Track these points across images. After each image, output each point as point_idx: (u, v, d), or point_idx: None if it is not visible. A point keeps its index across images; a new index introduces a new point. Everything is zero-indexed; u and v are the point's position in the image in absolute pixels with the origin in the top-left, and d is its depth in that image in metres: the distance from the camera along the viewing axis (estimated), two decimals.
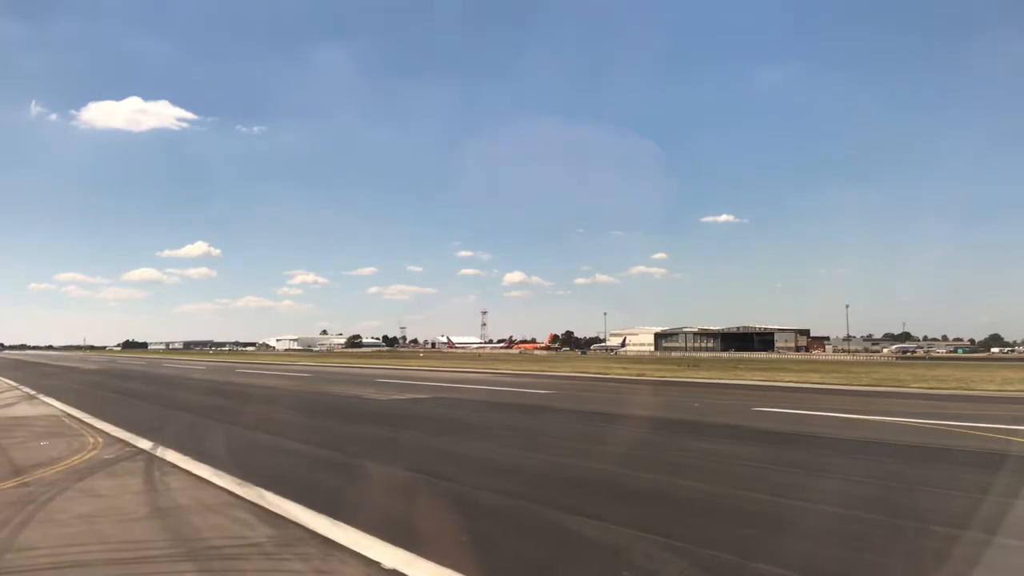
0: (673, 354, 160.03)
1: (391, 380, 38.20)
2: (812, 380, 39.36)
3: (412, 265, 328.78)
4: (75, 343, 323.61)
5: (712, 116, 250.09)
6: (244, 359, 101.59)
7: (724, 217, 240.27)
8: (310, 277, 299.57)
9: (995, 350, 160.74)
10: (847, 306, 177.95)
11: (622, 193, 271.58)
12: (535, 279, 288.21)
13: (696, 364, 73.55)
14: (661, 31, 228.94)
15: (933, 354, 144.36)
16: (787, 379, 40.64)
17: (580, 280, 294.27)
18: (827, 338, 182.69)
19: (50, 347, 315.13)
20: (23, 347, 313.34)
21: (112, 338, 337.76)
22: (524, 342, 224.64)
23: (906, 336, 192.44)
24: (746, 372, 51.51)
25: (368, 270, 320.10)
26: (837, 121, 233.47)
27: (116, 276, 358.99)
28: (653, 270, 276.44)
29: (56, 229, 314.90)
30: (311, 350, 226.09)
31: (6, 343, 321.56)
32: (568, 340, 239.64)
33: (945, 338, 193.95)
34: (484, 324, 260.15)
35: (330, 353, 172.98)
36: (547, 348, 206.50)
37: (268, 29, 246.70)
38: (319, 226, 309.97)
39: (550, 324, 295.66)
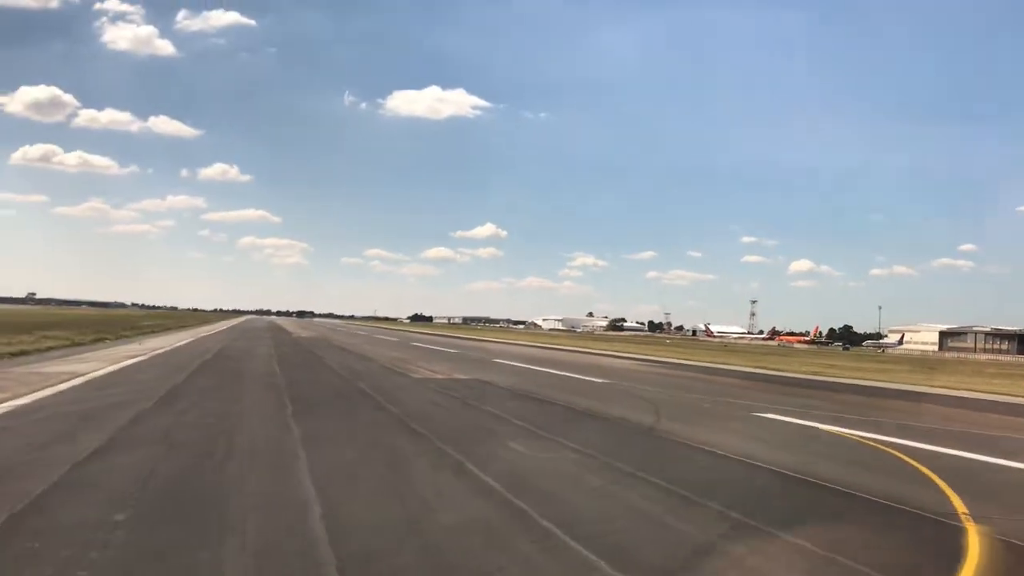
0: (956, 355, 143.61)
1: (522, 363, 35.93)
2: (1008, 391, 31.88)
3: (692, 250, 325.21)
4: (371, 314, 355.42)
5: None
6: (474, 334, 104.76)
7: None
8: (590, 259, 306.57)
9: None
10: None
11: (925, 177, 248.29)
12: (824, 268, 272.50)
13: (933, 368, 63.77)
14: None
15: None
16: (985, 388, 32.82)
17: (876, 271, 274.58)
18: None
19: (352, 317, 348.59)
20: (330, 315, 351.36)
21: (407, 311, 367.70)
22: (791, 334, 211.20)
23: None
24: (973, 378, 43.03)
25: (647, 254, 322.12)
26: None
27: (415, 254, 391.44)
28: (960, 263, 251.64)
29: (365, 208, 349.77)
30: (574, 331, 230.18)
31: (318, 311, 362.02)
32: (845, 335, 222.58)
33: None
34: (753, 314, 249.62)
35: (582, 335, 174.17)
36: (812, 342, 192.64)
37: (556, 17, 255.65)
38: (601, 210, 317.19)
39: (837, 316, 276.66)
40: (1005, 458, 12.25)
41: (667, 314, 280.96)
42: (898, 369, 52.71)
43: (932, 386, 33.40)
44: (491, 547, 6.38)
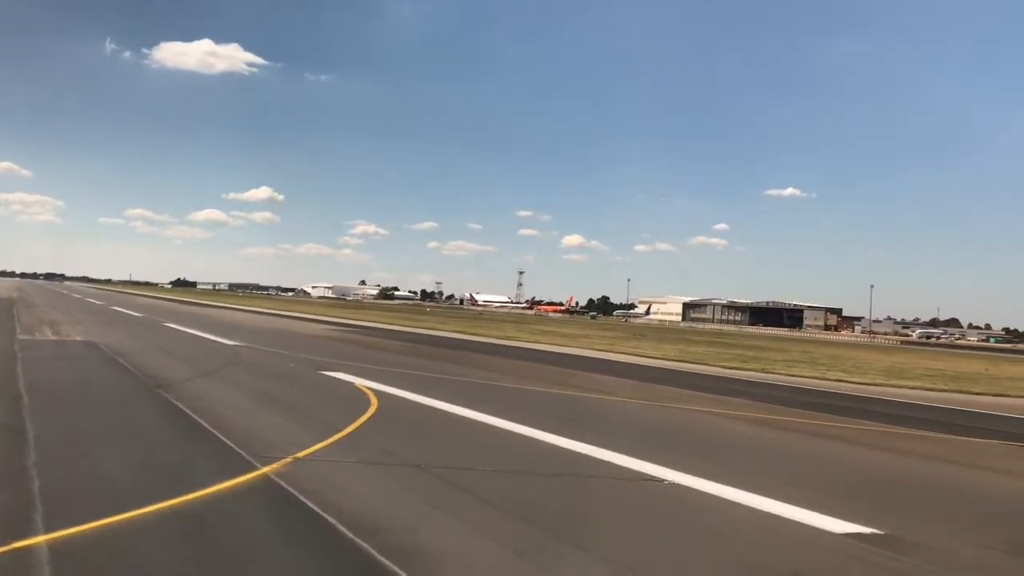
0: (691, 324, 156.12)
1: (192, 329, 35.47)
2: (675, 357, 34.64)
3: (472, 223, 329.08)
4: (129, 278, 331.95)
5: (785, 88, 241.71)
6: (216, 300, 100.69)
7: (790, 191, 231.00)
8: (371, 228, 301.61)
9: None
10: (872, 287, 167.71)
11: (687, 161, 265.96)
12: (594, 243, 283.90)
13: (641, 335, 68.62)
14: None
15: (959, 342, 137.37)
16: (657, 355, 35.21)
17: (640, 247, 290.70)
18: (859, 319, 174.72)
19: (108, 280, 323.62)
20: (85, 279, 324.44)
21: (172, 276, 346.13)
22: (549, 304, 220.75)
23: (935, 322, 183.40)
24: (656, 344, 47.06)
25: (428, 225, 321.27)
26: (917, 99, 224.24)
27: (182, 215, 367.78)
28: (714, 241, 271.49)
29: (127, 165, 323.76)
30: (344, 299, 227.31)
31: (71, 274, 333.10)
32: (601, 305, 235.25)
33: (988, 327, 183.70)
34: (520, 284, 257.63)
35: (344, 304, 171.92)
36: (567, 311, 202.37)
37: None
38: (382, 178, 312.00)
39: (603, 288, 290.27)
40: (463, 407, 13.11)
41: (438, 283, 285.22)
42: (592, 336, 56.24)
43: (590, 349, 36.07)
44: None
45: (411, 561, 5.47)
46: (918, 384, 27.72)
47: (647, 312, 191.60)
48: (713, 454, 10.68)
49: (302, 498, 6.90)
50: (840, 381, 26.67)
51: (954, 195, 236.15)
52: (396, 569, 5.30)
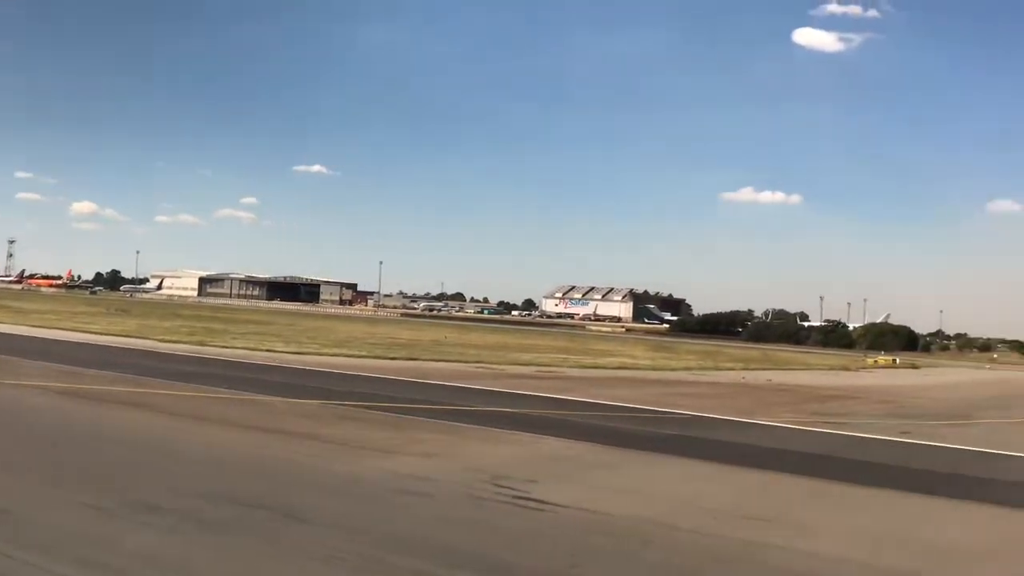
0: (212, 300, 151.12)
1: None
2: (121, 332, 32.05)
3: None
4: None
5: (313, 69, 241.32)
6: None
7: (316, 167, 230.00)
8: None
9: (515, 313, 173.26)
10: (381, 263, 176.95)
11: (211, 131, 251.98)
12: (109, 212, 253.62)
13: (124, 311, 63.11)
14: None
15: (457, 313, 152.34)
16: (100, 331, 32.37)
17: (161, 217, 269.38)
18: (372, 293, 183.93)
19: None
20: None
21: None
22: (44, 277, 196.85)
23: (442, 296, 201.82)
24: (125, 320, 44.37)
25: None
26: (439, 88, 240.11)
27: None
28: (241, 214, 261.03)
29: None
30: None
31: None
32: (113, 279, 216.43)
33: (486, 299, 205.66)
34: (11, 255, 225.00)
35: None
36: (64, 285, 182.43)
37: None
38: None
39: (121, 261, 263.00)
40: None
41: None
42: (59, 312, 51.36)
43: (27, 326, 32.47)
44: None
45: None
46: (353, 352, 29.26)
47: (159, 287, 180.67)
48: None
49: None
50: (269, 351, 26.86)
51: (467, 183, 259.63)
52: None
